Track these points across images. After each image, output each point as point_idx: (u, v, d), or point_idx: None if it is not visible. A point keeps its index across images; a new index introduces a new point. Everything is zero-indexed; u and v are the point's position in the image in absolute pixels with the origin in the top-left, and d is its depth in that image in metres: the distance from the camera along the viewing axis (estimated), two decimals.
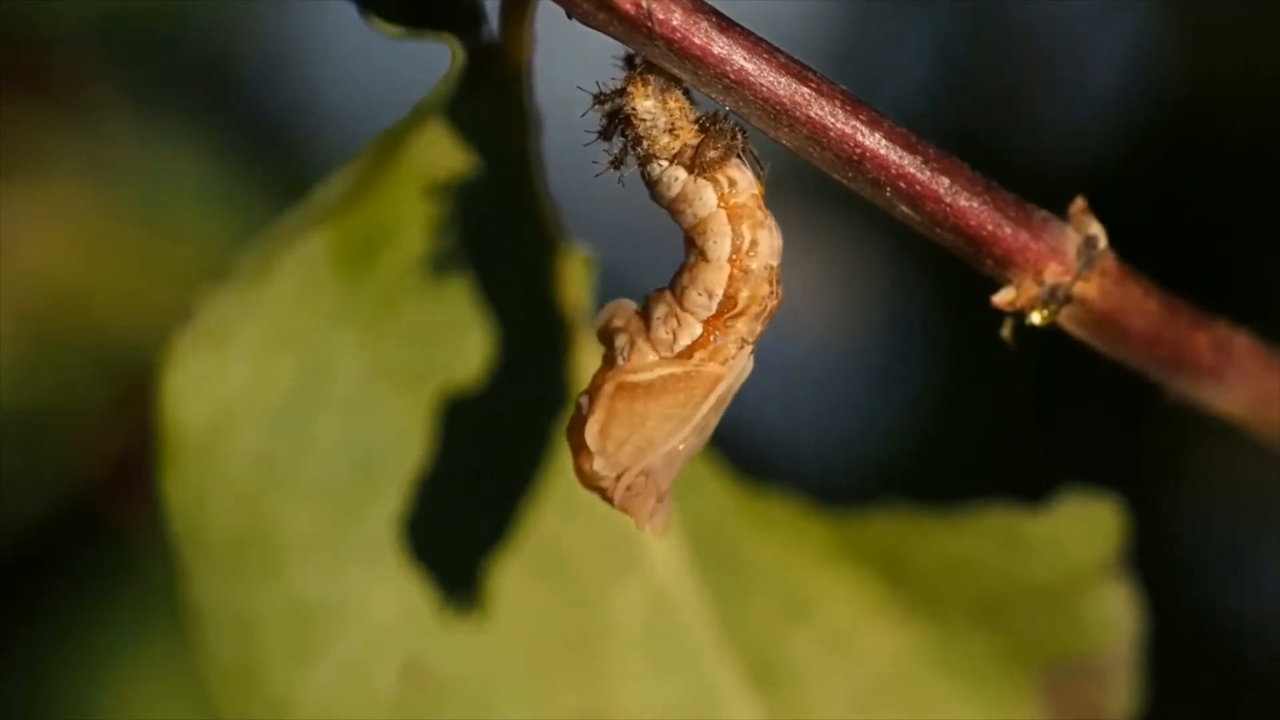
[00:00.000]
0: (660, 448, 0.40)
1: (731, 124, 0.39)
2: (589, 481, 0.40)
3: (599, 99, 0.39)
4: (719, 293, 0.39)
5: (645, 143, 0.39)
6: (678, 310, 0.40)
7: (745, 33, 0.39)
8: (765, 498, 0.53)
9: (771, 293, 0.40)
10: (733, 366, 0.40)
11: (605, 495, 0.40)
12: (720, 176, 0.39)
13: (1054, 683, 0.52)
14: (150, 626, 1.03)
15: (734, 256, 0.39)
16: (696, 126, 0.39)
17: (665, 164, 0.39)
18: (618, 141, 0.40)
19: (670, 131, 0.39)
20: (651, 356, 0.40)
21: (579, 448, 0.40)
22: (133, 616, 1.03)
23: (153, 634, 1.02)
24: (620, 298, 0.41)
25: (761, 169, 0.40)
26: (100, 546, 1.05)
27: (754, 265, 0.39)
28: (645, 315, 0.40)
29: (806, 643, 0.52)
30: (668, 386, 0.39)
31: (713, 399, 0.40)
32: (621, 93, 0.39)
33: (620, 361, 0.40)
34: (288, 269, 0.47)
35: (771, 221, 0.40)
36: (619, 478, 0.40)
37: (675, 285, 0.40)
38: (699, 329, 0.40)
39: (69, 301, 1.08)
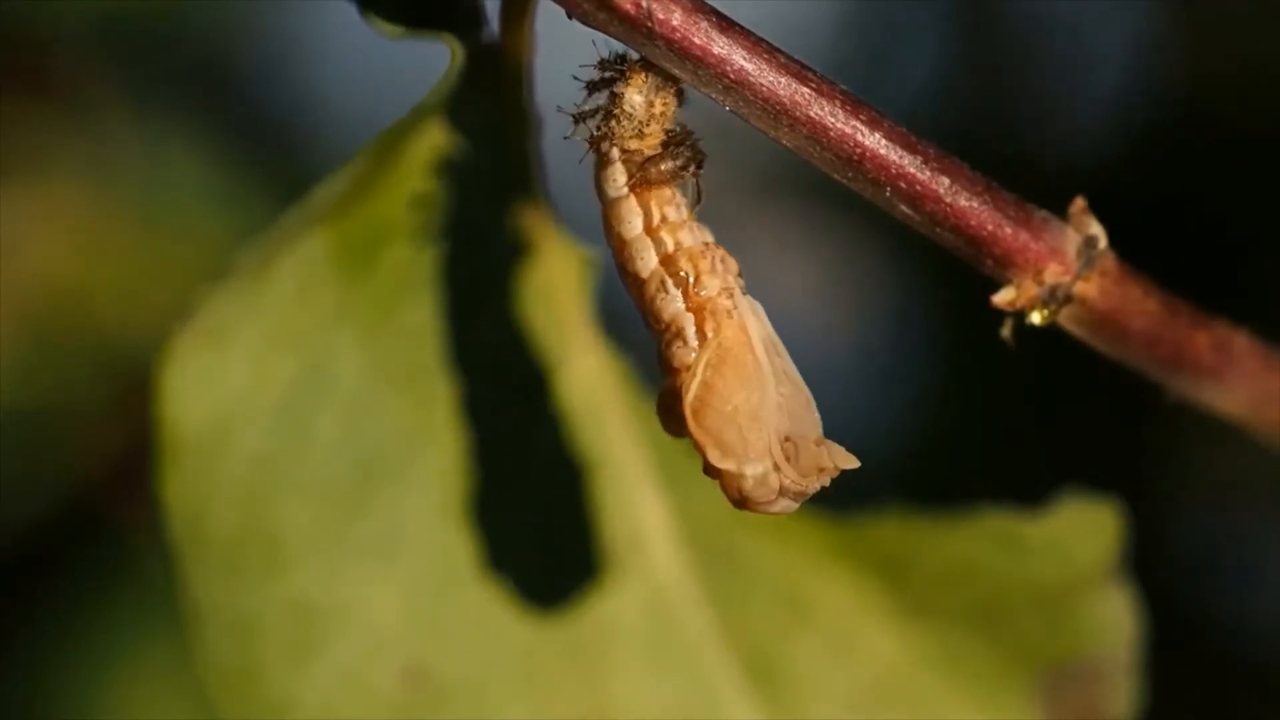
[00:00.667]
0: (767, 409, 0.40)
1: (690, 152, 0.40)
2: (767, 494, 0.39)
3: (603, 64, 0.40)
4: (671, 286, 0.40)
5: (614, 124, 0.40)
6: (669, 329, 0.40)
7: (745, 33, 0.39)
8: None
9: (706, 245, 0.40)
10: (741, 314, 0.40)
11: (790, 490, 0.39)
12: (654, 209, 0.40)
13: (1054, 686, 0.52)
14: (150, 626, 1.03)
15: (662, 260, 0.40)
16: (664, 137, 0.40)
17: (616, 155, 0.40)
18: (594, 102, 0.40)
19: (639, 135, 0.40)
20: (687, 372, 0.40)
21: (730, 480, 0.40)
22: (133, 616, 1.03)
23: (153, 634, 1.02)
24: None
25: (699, 200, 0.40)
26: (100, 546, 1.05)
27: (682, 257, 0.40)
28: (662, 367, 0.40)
29: (806, 645, 0.52)
30: (717, 369, 0.40)
31: (758, 346, 0.40)
32: (621, 71, 0.40)
33: (680, 406, 0.40)
34: (287, 269, 0.47)
35: (693, 222, 0.40)
36: (775, 465, 0.39)
37: (647, 320, 0.40)
38: (688, 316, 0.40)
39: (69, 301, 1.08)
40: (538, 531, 0.50)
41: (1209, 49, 1.29)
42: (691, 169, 0.40)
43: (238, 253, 0.47)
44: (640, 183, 0.40)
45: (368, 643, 0.49)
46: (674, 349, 0.40)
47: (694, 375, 0.40)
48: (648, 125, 0.40)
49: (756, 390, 0.40)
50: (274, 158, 1.20)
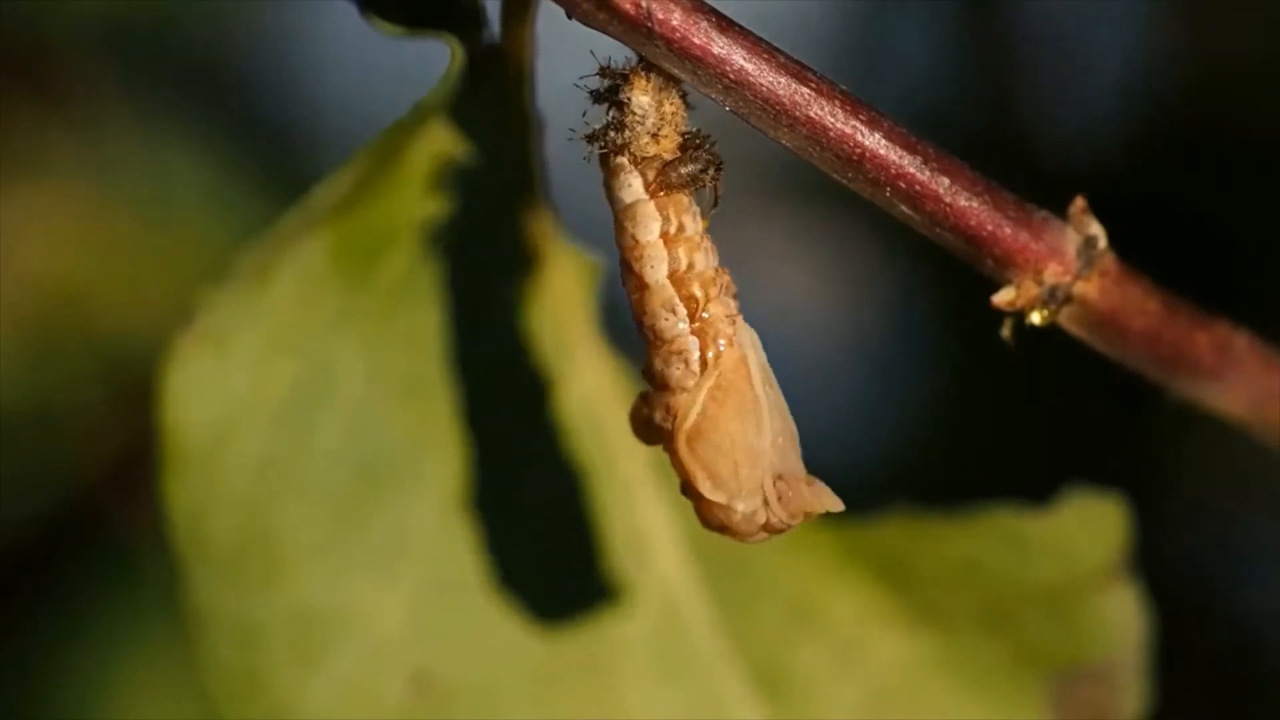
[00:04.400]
0: (762, 446, 0.39)
1: (708, 155, 0.40)
2: (751, 528, 0.39)
3: (604, 72, 0.40)
4: (679, 307, 0.40)
5: (627, 133, 0.39)
6: (665, 347, 0.40)
7: (745, 33, 0.39)
8: None
9: (717, 270, 0.40)
10: (740, 342, 0.40)
11: (776, 526, 0.39)
12: (672, 215, 0.39)
13: (1062, 687, 0.52)
14: (150, 627, 1.03)
15: (672, 276, 0.40)
16: (680, 140, 0.40)
17: (630, 167, 0.39)
18: (603, 117, 0.40)
19: (654, 137, 0.39)
20: (685, 395, 0.40)
21: (716, 510, 0.39)
22: (133, 617, 1.03)
23: (153, 634, 1.02)
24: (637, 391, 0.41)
25: (716, 205, 0.40)
26: (100, 546, 1.05)
27: (694, 280, 0.40)
28: (652, 379, 0.40)
29: (813, 650, 0.52)
30: (716, 399, 0.39)
31: (756, 378, 0.40)
32: (624, 78, 0.39)
33: (671, 426, 0.40)
34: (288, 271, 0.47)
35: (708, 242, 0.40)
36: (765, 502, 0.39)
37: (642, 331, 0.40)
38: (692, 340, 0.40)
39: (69, 301, 1.08)
40: (542, 539, 0.50)
41: (1209, 49, 1.29)
42: (711, 172, 0.40)
43: (238, 254, 0.47)
44: (660, 188, 0.40)
45: (372, 649, 0.49)
46: (672, 369, 0.40)
47: (694, 403, 0.39)
48: (661, 129, 0.39)
49: (754, 425, 0.39)
50: (274, 158, 1.20)
